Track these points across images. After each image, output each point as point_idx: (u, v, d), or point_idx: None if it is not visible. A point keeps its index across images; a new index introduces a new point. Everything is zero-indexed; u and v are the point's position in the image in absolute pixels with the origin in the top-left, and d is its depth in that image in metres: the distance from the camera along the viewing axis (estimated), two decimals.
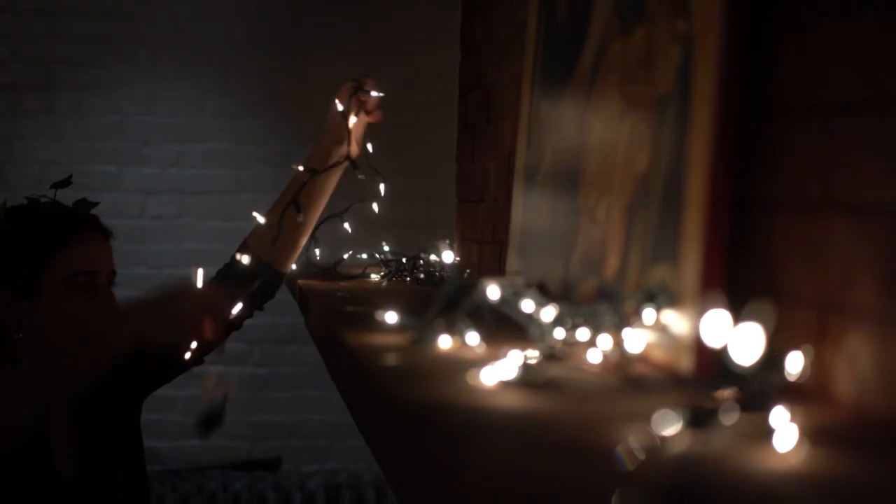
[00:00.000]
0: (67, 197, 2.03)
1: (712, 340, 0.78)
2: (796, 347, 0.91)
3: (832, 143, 0.98)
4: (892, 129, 0.91)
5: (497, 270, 2.11)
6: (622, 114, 1.35)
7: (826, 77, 1.00)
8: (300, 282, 2.19)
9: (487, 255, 2.28)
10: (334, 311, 1.64)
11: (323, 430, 4.47)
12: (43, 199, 2.01)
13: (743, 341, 0.77)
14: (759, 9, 1.09)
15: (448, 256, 1.69)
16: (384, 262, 2.38)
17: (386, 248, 2.48)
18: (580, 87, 1.52)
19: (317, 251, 2.47)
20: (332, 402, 4.24)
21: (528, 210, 1.75)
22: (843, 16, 0.98)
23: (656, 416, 0.80)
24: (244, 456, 4.45)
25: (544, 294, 1.42)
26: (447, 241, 2.49)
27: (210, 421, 1.74)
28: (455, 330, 1.28)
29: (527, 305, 1.24)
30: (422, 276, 2.19)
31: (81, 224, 1.98)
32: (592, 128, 1.46)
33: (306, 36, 4.43)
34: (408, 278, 2.26)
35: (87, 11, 4.37)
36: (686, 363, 1.09)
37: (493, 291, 1.26)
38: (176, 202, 4.42)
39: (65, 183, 2.06)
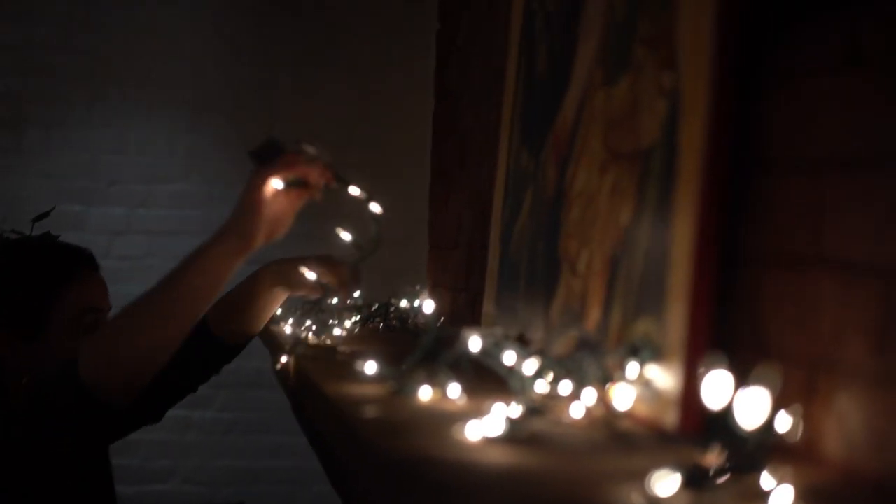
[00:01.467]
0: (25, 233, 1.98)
1: (712, 402, 0.77)
2: (785, 406, 0.90)
3: (822, 199, 0.98)
4: (882, 186, 0.91)
5: (470, 319, 2.10)
6: (605, 165, 1.34)
7: (816, 132, 1.00)
8: (271, 328, 2.17)
9: (460, 302, 2.27)
10: (309, 359, 1.61)
11: (287, 475, 4.42)
12: (12, 235, 1.96)
13: (747, 405, 0.76)
14: (747, 62, 1.09)
15: (428, 305, 1.67)
16: (355, 309, 2.36)
17: (356, 294, 2.46)
18: (561, 137, 1.51)
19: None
20: (297, 448, 4.19)
21: (506, 259, 1.73)
22: (832, 71, 0.98)
23: (653, 476, 0.79)
24: (207, 501, 4.38)
25: (523, 345, 1.40)
26: (418, 287, 2.48)
27: (265, 151, 1.60)
28: (435, 381, 1.26)
29: (508, 357, 1.22)
30: (395, 323, 2.17)
31: (84, 261, 1.91)
32: (574, 177, 1.45)
33: (278, 77, 4.42)
34: (381, 325, 2.24)
35: (57, 47, 4.34)
36: (671, 419, 1.08)
37: (474, 343, 1.24)
38: (143, 243, 4.38)
39: (44, 216, 2.00)
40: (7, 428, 1.65)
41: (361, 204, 1.65)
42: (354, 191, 1.63)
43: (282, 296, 1.92)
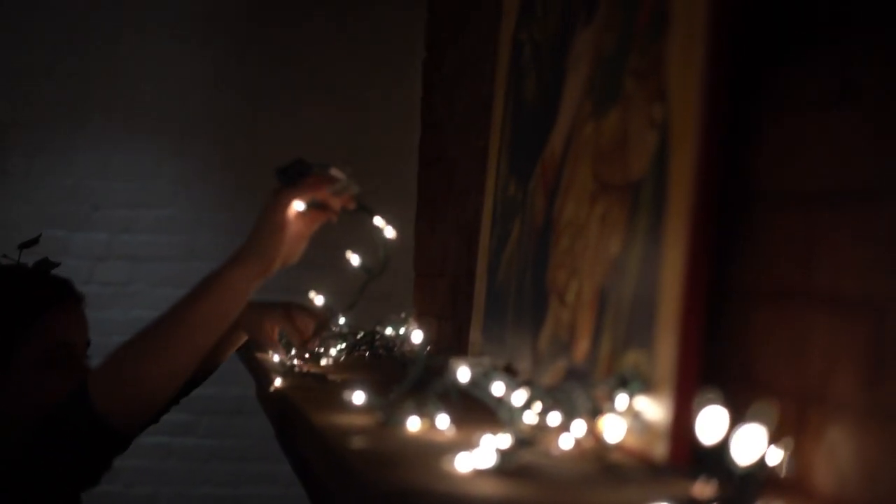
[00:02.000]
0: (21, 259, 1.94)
1: (707, 437, 0.77)
2: (776, 440, 0.90)
3: (813, 233, 0.98)
4: (873, 222, 0.91)
5: (456, 347, 2.09)
6: (594, 195, 1.35)
7: (807, 166, 1.00)
8: (258, 354, 2.16)
9: (446, 331, 2.26)
10: (295, 387, 1.61)
11: (269, 503, 4.39)
12: (3, 260, 1.90)
13: (744, 442, 0.75)
14: (737, 95, 1.09)
15: (417, 335, 1.67)
16: (341, 336, 2.35)
17: (342, 321, 2.45)
18: (550, 167, 1.52)
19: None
20: (279, 476, 4.16)
21: (493, 288, 1.73)
22: (823, 105, 0.99)
23: None
24: None
25: (510, 375, 1.40)
26: (404, 315, 2.47)
27: (292, 171, 1.57)
28: (424, 411, 1.25)
29: (497, 388, 1.22)
30: (381, 351, 2.17)
31: (58, 290, 1.78)
32: (563, 208, 1.45)
33: (263, 104, 4.42)
34: (367, 353, 2.23)
35: (42, 73, 4.34)
36: (661, 451, 1.08)
37: (462, 373, 1.24)
38: (126, 269, 4.37)
39: (32, 242, 1.93)
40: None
41: (374, 229, 1.64)
42: (378, 221, 1.62)
43: (243, 338, 1.94)
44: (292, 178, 1.58)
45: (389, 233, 1.64)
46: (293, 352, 1.95)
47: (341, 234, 1.89)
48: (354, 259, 1.80)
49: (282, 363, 1.92)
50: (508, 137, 1.76)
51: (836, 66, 0.97)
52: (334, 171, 1.59)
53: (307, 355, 1.96)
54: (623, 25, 1.31)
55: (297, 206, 1.58)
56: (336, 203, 1.59)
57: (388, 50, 4.36)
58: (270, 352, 1.95)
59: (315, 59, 4.41)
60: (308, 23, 4.41)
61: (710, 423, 0.78)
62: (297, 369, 1.90)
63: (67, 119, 4.37)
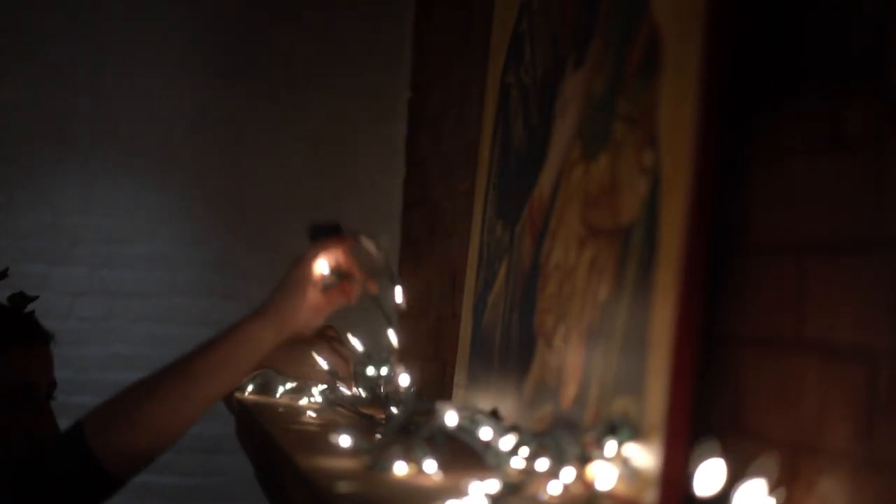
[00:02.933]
0: None
1: (706, 491, 0.76)
2: (769, 490, 0.90)
3: (806, 282, 0.98)
4: (868, 272, 0.91)
5: (439, 389, 2.08)
6: (583, 240, 1.34)
7: (799, 214, 1.01)
8: (236, 394, 2.14)
9: (429, 372, 2.25)
10: (279, 429, 1.59)
11: None
12: None
13: (746, 499, 0.75)
14: (729, 143, 1.09)
15: (404, 378, 1.66)
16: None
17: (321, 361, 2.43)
18: (538, 210, 1.52)
19: None
20: None
21: (478, 330, 1.73)
22: (815, 153, 0.99)
23: None
24: None
25: (495, 419, 1.39)
26: (385, 355, 2.46)
27: (324, 231, 1.55)
28: (411, 456, 1.24)
29: (484, 433, 1.21)
30: (364, 394, 2.15)
31: (21, 329, 1.72)
32: (551, 252, 1.45)
33: (245, 141, 4.42)
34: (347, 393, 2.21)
35: (23, 108, 4.33)
36: (650, 498, 1.07)
37: (450, 417, 1.23)
38: (105, 304, 4.34)
39: (0, 276, 1.88)
40: None
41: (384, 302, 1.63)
42: (398, 295, 1.62)
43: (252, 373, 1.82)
44: (321, 238, 1.59)
45: (399, 297, 1.63)
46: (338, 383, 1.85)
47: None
48: (356, 343, 1.75)
49: (328, 396, 1.85)
50: (495, 180, 1.76)
51: (827, 115, 0.98)
52: (366, 241, 1.60)
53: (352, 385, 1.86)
54: (613, 70, 1.31)
55: (322, 267, 1.57)
56: (360, 275, 1.58)
57: (372, 89, 4.37)
58: (316, 386, 1.84)
59: (299, 96, 4.41)
60: (292, 59, 4.41)
61: (708, 475, 0.78)
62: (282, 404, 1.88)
63: (48, 154, 4.35)
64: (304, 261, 1.54)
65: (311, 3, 4.39)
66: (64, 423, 1.91)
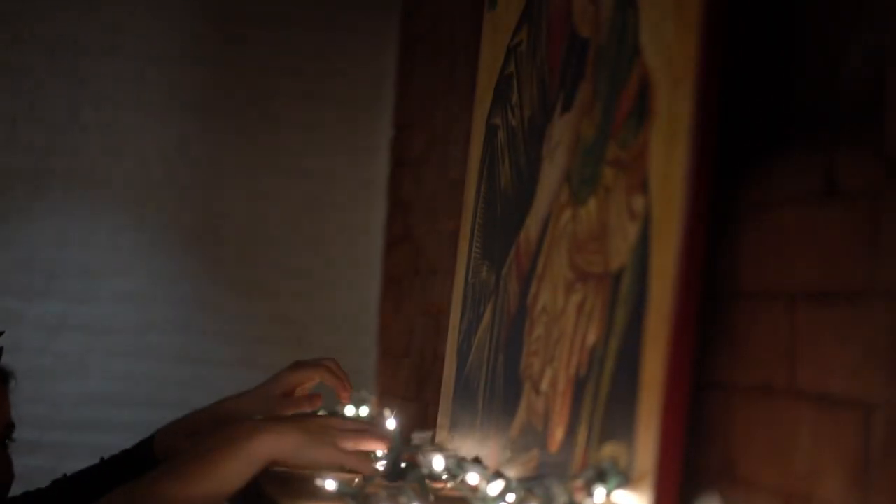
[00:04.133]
0: None
1: None
2: None
3: (798, 331, 0.98)
4: (860, 322, 0.91)
5: (422, 429, 2.07)
6: (570, 284, 1.34)
7: (790, 263, 1.00)
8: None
9: (410, 412, 2.24)
10: (263, 472, 1.57)
11: None
12: None
13: None
14: (721, 189, 1.09)
15: (391, 422, 1.64)
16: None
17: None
18: (525, 253, 1.51)
19: None
20: None
21: (463, 372, 1.72)
22: (808, 202, 0.99)
23: None
24: None
25: (481, 464, 1.38)
26: (364, 395, 2.44)
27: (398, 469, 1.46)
28: (397, 501, 1.23)
29: (472, 478, 1.21)
30: None
31: None
32: (538, 295, 1.44)
33: (224, 178, 4.40)
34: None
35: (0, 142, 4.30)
36: None
37: (437, 462, 1.22)
38: (81, 340, 4.30)
39: None
40: None
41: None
42: (391, 426, 1.58)
43: None
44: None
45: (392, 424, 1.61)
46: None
47: None
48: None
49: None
50: (481, 221, 1.75)
51: (821, 164, 0.98)
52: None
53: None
54: (602, 114, 1.31)
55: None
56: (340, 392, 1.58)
57: (353, 126, 4.36)
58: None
59: (278, 133, 4.40)
60: (272, 96, 4.41)
61: None
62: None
63: (25, 189, 4.33)
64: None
65: (291, 40, 4.39)
66: (37, 461, 1.89)
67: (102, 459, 1.70)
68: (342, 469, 1.41)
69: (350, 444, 1.42)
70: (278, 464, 1.42)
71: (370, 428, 1.48)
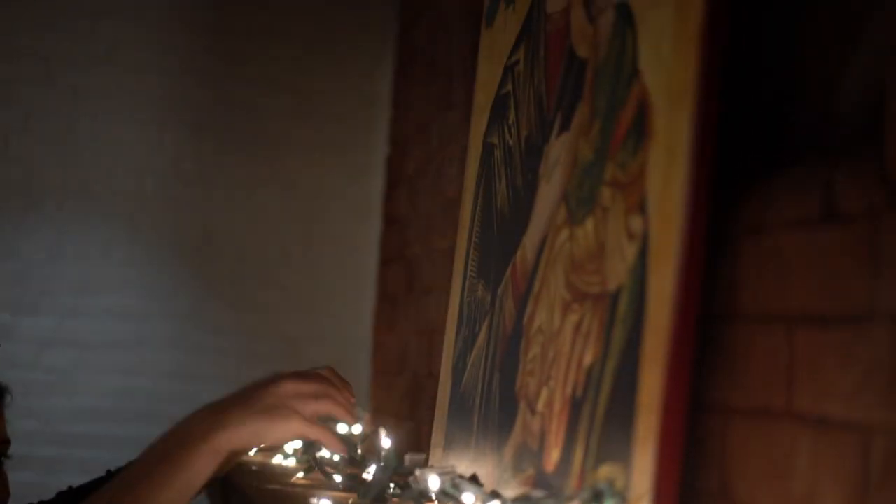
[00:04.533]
0: None
1: None
2: None
3: (797, 353, 0.98)
4: (859, 344, 0.91)
5: (415, 448, 2.06)
6: (567, 304, 1.34)
7: (790, 285, 1.00)
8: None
9: (405, 430, 2.23)
10: (255, 490, 1.57)
11: None
12: None
13: None
14: (719, 210, 1.09)
15: (385, 441, 1.63)
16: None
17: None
18: (521, 272, 1.51)
19: None
20: None
21: (457, 391, 1.71)
22: (807, 225, 0.99)
23: None
24: None
25: (476, 484, 1.37)
26: (359, 412, 2.43)
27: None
28: None
29: (467, 498, 1.20)
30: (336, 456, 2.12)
31: None
32: (534, 314, 1.44)
33: (218, 193, 4.39)
34: (317, 454, 2.18)
35: None
36: None
37: (433, 482, 1.21)
38: (72, 355, 4.29)
39: None
40: None
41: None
42: (385, 443, 1.51)
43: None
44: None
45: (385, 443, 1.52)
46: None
47: None
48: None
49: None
50: (476, 239, 1.75)
51: (820, 187, 0.98)
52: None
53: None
54: (601, 135, 1.31)
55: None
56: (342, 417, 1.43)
57: (348, 142, 4.36)
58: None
59: (273, 148, 4.40)
60: (267, 112, 4.41)
61: None
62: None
63: (18, 202, 4.32)
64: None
65: (286, 57, 4.39)
66: (27, 477, 1.86)
67: (109, 472, 1.67)
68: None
69: (310, 410, 1.32)
70: (242, 453, 1.38)
71: (330, 390, 1.35)
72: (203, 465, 1.33)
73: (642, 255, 1.15)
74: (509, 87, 1.69)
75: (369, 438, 1.54)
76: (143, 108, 4.39)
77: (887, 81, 0.93)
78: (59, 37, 4.33)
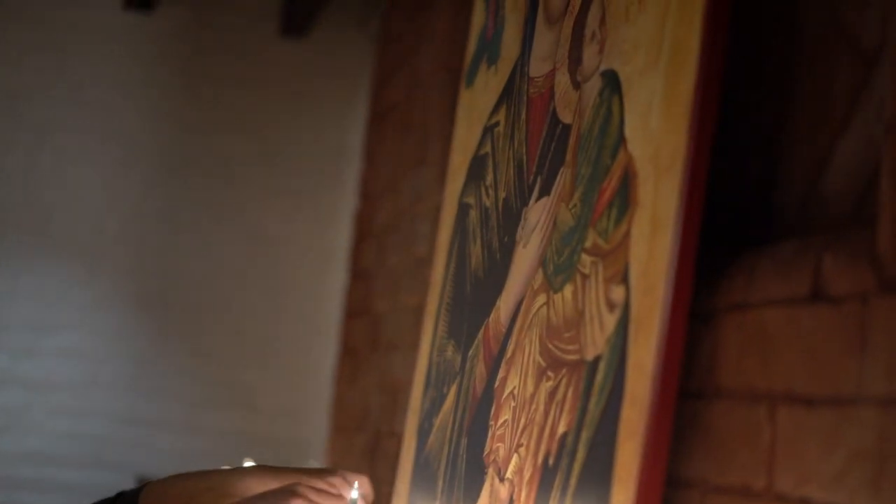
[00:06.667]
0: None
1: None
2: None
3: (779, 434, 0.96)
4: (844, 427, 0.90)
5: None
6: (542, 370, 1.32)
7: (773, 364, 0.99)
8: None
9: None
10: None
11: None
12: None
13: None
14: (703, 285, 1.08)
15: (353, 492, 1.58)
16: None
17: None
18: (494, 336, 1.49)
19: None
20: None
21: (422, 453, 1.69)
22: (793, 304, 0.98)
23: None
24: None
25: None
26: (317, 465, 2.40)
27: None
28: None
29: None
30: None
31: None
32: (506, 379, 1.42)
33: (180, 235, 4.36)
34: None
35: None
36: None
37: None
38: (23, 396, 4.21)
39: None
40: None
41: None
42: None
43: None
44: None
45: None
46: None
47: None
48: None
49: None
50: (448, 300, 1.73)
51: (807, 267, 0.97)
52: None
53: None
54: (583, 202, 1.30)
55: None
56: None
57: (315, 193, 4.35)
58: None
59: (238, 195, 4.37)
60: (236, 158, 4.39)
61: None
62: None
63: None
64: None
65: (256, 104, 4.37)
66: None
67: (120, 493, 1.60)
68: None
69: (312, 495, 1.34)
70: None
71: (335, 492, 1.38)
72: None
73: (622, 325, 1.14)
74: (488, 147, 1.68)
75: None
76: (109, 148, 4.36)
77: (878, 161, 0.93)
78: (25, 73, 4.30)
